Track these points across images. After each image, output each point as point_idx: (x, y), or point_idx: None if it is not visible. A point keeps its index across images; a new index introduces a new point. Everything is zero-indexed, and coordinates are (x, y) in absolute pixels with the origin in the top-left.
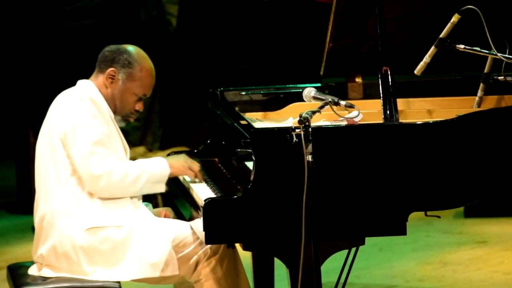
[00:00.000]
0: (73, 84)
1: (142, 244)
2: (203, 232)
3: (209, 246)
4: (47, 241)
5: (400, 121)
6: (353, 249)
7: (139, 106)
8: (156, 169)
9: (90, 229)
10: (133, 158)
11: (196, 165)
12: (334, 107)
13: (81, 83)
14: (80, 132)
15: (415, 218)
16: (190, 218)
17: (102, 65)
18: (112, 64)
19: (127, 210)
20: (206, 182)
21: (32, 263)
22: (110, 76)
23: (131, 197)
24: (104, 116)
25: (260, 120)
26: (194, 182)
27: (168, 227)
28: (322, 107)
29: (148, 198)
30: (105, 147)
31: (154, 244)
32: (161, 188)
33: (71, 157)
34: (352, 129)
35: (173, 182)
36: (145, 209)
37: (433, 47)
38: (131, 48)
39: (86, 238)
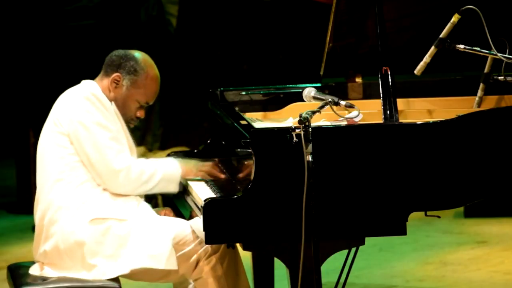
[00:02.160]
0: (73, 83)
1: (144, 238)
2: (203, 232)
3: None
4: (50, 239)
5: (400, 121)
6: (353, 249)
7: (140, 113)
8: (169, 168)
9: (93, 221)
10: None
11: (207, 166)
12: (334, 107)
13: (85, 82)
14: (94, 129)
15: (415, 218)
16: (190, 218)
17: (108, 69)
18: (118, 70)
19: (130, 205)
20: (206, 182)
21: (33, 262)
22: (115, 81)
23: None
24: (111, 113)
25: (260, 120)
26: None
27: (169, 225)
28: (322, 107)
29: (148, 198)
30: (119, 143)
31: (155, 238)
32: (174, 187)
33: (84, 154)
34: (352, 129)
35: None
36: (147, 205)
37: (433, 47)
38: (138, 54)
39: (89, 230)
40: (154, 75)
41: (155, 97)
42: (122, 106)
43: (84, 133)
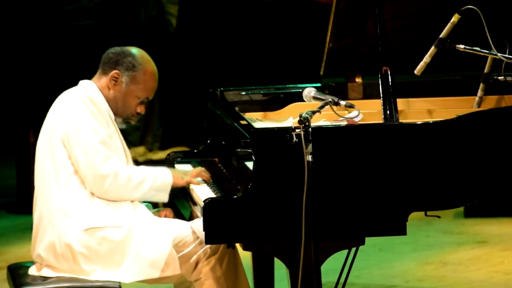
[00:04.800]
0: (73, 84)
1: (142, 244)
2: (203, 232)
3: (209, 245)
4: (44, 240)
5: (400, 121)
6: (353, 249)
7: (141, 109)
8: (159, 177)
9: (88, 230)
10: (132, 158)
11: (196, 171)
12: (334, 107)
13: (82, 83)
14: (84, 132)
15: (415, 218)
16: (190, 218)
17: (105, 66)
18: (116, 67)
19: (126, 210)
20: (206, 182)
21: (32, 263)
22: (114, 78)
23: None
24: (104, 117)
25: (260, 120)
26: (204, 183)
27: (168, 226)
28: (322, 107)
29: None
30: (108, 148)
31: (154, 243)
32: (164, 197)
33: (73, 157)
34: (352, 129)
35: None
36: (144, 209)
37: (433, 47)
38: (135, 50)
39: (84, 239)
40: (153, 70)
41: (154, 92)
42: (122, 103)
43: (74, 136)
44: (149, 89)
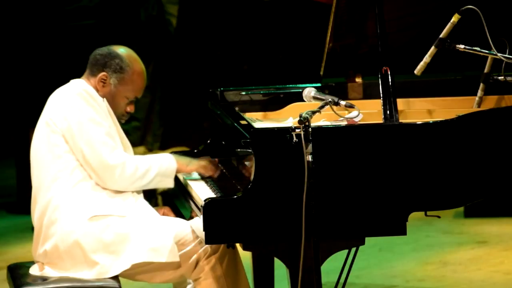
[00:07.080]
0: None
1: (144, 233)
2: (203, 232)
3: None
4: (49, 239)
5: (400, 121)
6: (353, 249)
7: (130, 108)
8: (164, 163)
9: (92, 218)
10: None
11: (201, 161)
12: (334, 107)
13: (74, 81)
14: (88, 125)
15: (415, 218)
16: (190, 218)
17: (93, 68)
18: (104, 69)
19: (128, 201)
20: (206, 182)
21: (33, 262)
22: (102, 80)
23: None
24: (103, 109)
25: (260, 120)
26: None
27: (169, 225)
28: (322, 107)
29: (148, 198)
30: (112, 139)
31: (156, 233)
32: (170, 183)
33: (78, 151)
34: (352, 129)
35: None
36: (144, 201)
37: (433, 47)
38: (122, 51)
39: (88, 228)
40: (140, 70)
41: (143, 90)
42: (112, 104)
43: (78, 130)
44: (138, 89)
